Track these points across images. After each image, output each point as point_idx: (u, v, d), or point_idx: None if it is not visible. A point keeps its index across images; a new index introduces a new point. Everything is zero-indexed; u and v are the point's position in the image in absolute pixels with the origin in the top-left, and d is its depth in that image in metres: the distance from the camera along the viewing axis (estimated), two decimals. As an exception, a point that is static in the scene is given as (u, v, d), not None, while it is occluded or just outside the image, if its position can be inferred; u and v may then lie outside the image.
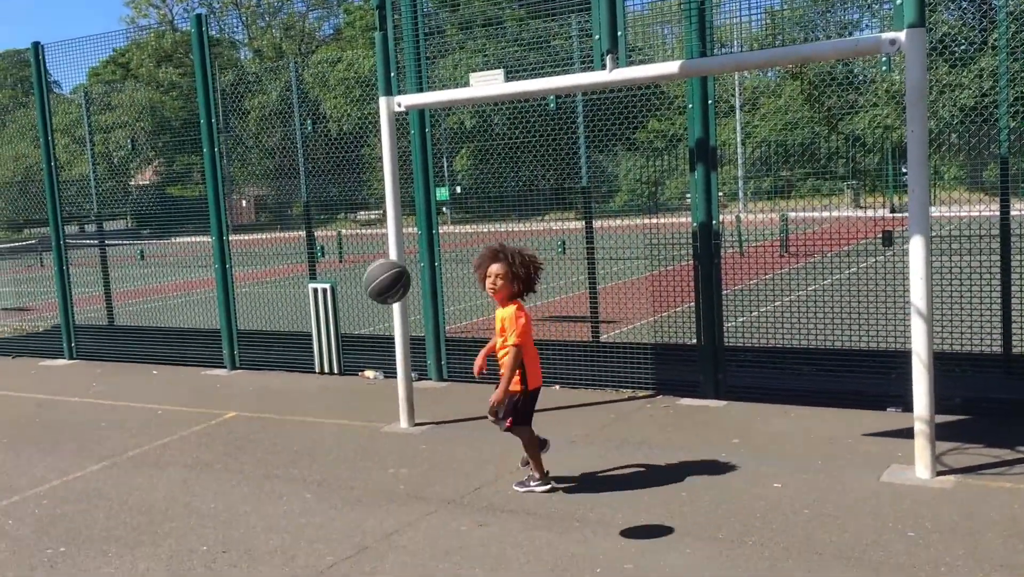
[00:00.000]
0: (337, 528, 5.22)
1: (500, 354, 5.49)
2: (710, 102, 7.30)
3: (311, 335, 9.70)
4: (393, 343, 7.51)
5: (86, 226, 15.53)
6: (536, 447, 5.58)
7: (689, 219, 7.62)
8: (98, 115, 12.44)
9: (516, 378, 5.38)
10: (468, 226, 10.55)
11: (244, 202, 18.69)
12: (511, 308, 5.39)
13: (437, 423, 7.35)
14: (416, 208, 8.78)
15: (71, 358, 11.63)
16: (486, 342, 9.00)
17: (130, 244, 14.35)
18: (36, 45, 11.16)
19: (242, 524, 5.37)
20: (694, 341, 7.69)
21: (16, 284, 15.56)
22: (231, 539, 5.15)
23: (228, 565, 4.78)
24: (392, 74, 7.35)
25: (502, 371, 5.38)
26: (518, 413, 5.46)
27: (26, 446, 7.48)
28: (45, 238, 16.51)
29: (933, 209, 5.96)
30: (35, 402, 9.23)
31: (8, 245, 16.84)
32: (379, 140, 7.46)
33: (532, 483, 5.59)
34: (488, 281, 5.40)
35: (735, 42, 8.30)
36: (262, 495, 5.88)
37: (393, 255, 7.22)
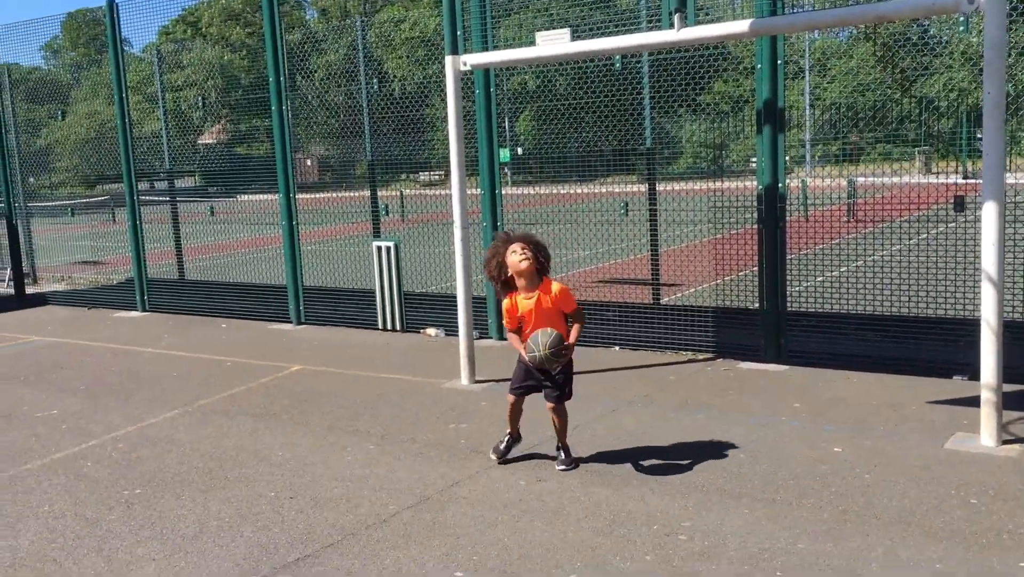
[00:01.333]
0: (399, 478, 5.36)
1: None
2: (779, 62, 7.17)
3: (374, 292, 9.87)
4: (455, 302, 7.60)
5: (155, 183, 15.92)
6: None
7: (753, 183, 7.54)
8: (168, 73, 12.69)
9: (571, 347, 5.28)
10: (529, 188, 10.56)
11: (309, 161, 18.92)
12: (549, 283, 5.22)
13: (497, 380, 7.44)
14: (479, 168, 8.83)
15: (143, 310, 12.00)
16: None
17: (199, 201, 14.67)
18: (111, 3, 11.39)
19: (308, 473, 5.54)
20: (756, 305, 7.64)
21: (91, 238, 16.05)
22: (297, 486, 5.32)
23: (295, 511, 4.95)
24: (458, 33, 7.37)
25: (576, 333, 5.26)
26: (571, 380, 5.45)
27: (103, 394, 7.77)
28: (118, 194, 16.96)
29: (1008, 176, 5.81)
30: (111, 352, 9.57)
31: (83, 201, 17.32)
32: (442, 100, 7.50)
33: (560, 464, 5.43)
34: (517, 258, 5.12)
35: (806, 1, 8.13)
36: (326, 445, 6.05)
37: (456, 215, 7.28)
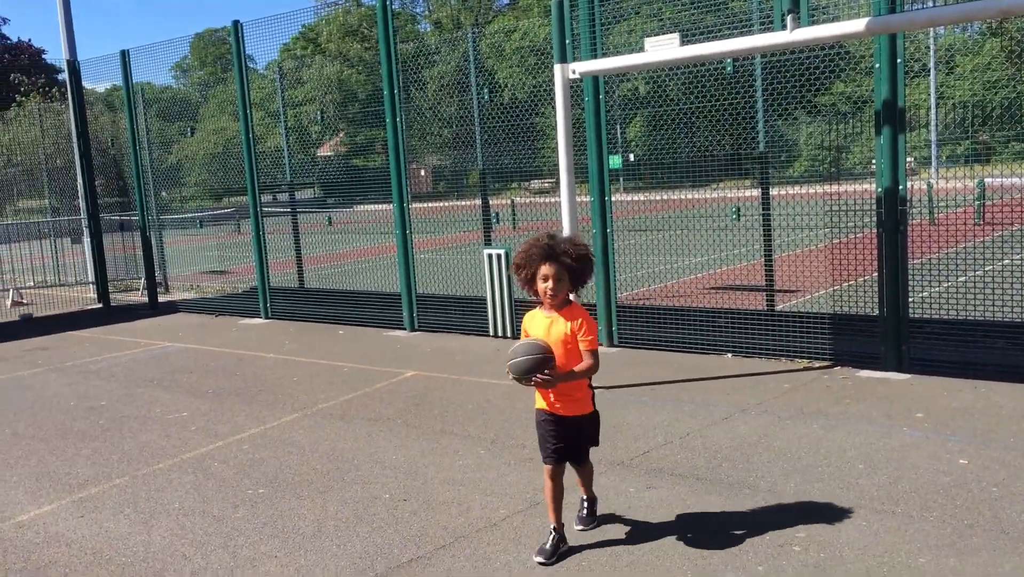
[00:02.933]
0: (509, 483, 5.42)
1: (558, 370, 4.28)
2: (899, 61, 6.94)
3: (485, 300, 10.00)
4: (565, 308, 7.62)
5: (276, 195, 16.55)
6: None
7: (872, 186, 7.32)
8: (289, 89, 13.18)
9: (588, 397, 4.48)
10: (640, 194, 10.52)
11: (423, 171, 19.33)
12: (573, 309, 4.38)
13: (607, 387, 7.43)
14: (589, 175, 8.84)
15: (266, 318, 12.48)
16: (658, 310, 9.04)
17: (318, 212, 15.18)
18: (236, 24, 11.92)
19: (420, 476, 5.66)
20: (875, 312, 7.40)
21: (218, 249, 16.79)
22: (411, 489, 5.45)
23: (409, 513, 5.07)
24: (567, 41, 7.41)
25: (576, 369, 4.30)
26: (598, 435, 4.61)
27: (229, 397, 8.13)
28: (242, 206, 17.72)
29: None
30: (236, 357, 10.00)
31: (211, 213, 18.17)
32: (552, 108, 7.55)
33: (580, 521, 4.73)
34: (543, 286, 4.30)
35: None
36: (439, 450, 6.17)
37: (566, 222, 7.32)
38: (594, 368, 4.29)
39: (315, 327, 11.63)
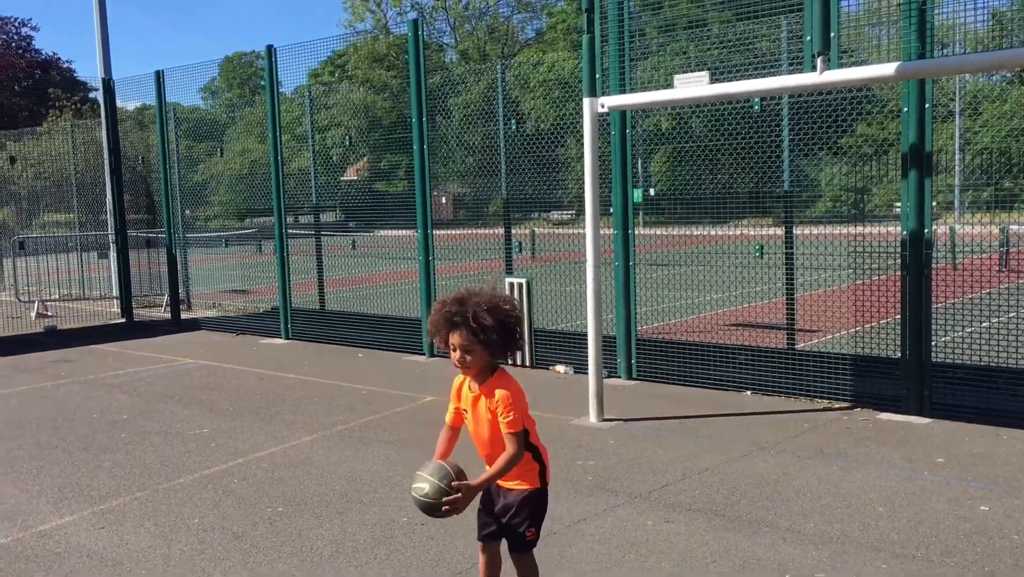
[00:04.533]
0: (527, 512, 5.42)
1: (482, 447, 3.72)
2: (927, 105, 6.99)
3: (506, 328, 10.02)
4: (584, 340, 7.67)
5: (299, 217, 16.71)
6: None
7: (896, 229, 7.34)
8: (316, 113, 13.36)
9: (534, 471, 3.70)
10: (661, 228, 10.56)
11: (444, 199, 19.47)
12: (496, 382, 3.61)
13: (625, 420, 7.44)
14: (613, 208, 8.91)
15: (287, 338, 12.56)
16: (678, 344, 9.05)
17: (342, 235, 15.31)
18: (270, 48, 12.11)
19: (439, 501, 5.67)
20: (897, 355, 7.39)
21: (240, 268, 16.94)
22: (434, 520, 5.45)
23: (426, 537, 5.08)
24: (597, 76, 7.50)
25: (492, 469, 3.56)
26: (540, 525, 3.76)
27: (248, 416, 8.18)
28: (264, 227, 17.89)
29: None
30: (257, 376, 10.07)
31: (235, 232, 18.36)
32: (576, 141, 7.64)
33: None
34: (454, 356, 3.58)
35: (956, 43, 7.90)
36: (457, 476, 6.18)
37: (590, 254, 7.37)
38: (515, 458, 3.52)
39: (335, 349, 11.70)
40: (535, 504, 3.69)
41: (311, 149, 13.04)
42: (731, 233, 9.95)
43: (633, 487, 5.80)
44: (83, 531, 5.36)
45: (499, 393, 3.55)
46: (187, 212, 15.31)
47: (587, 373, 7.58)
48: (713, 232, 9.31)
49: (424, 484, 3.48)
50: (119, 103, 17.67)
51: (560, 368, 9.57)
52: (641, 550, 4.79)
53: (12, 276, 16.96)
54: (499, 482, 3.66)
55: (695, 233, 9.39)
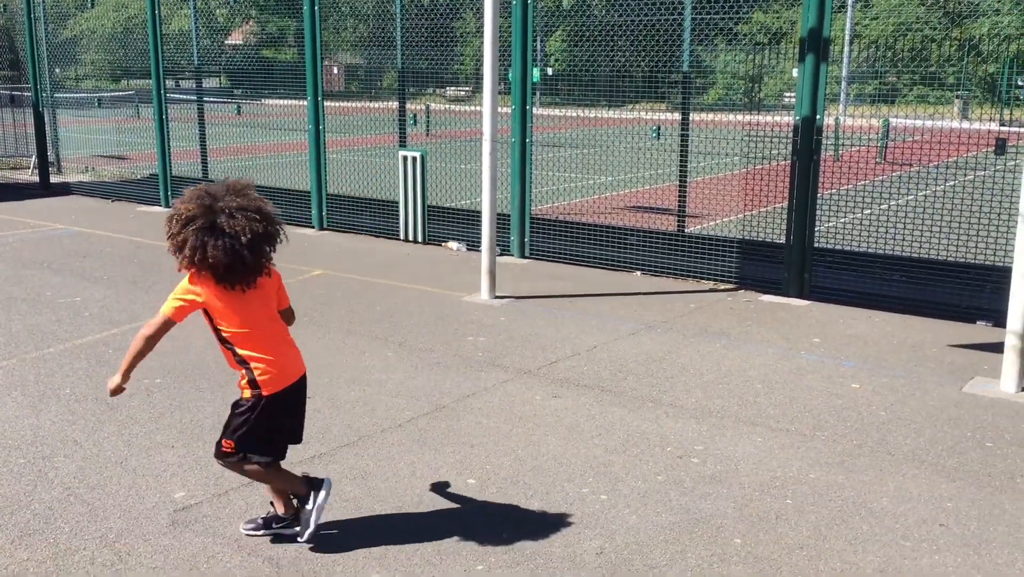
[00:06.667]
0: (416, 386, 5.40)
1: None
2: (828, -10, 6.96)
3: (397, 203, 9.82)
4: (477, 217, 7.56)
5: (180, 82, 15.77)
6: (280, 479, 3.60)
7: (788, 118, 7.41)
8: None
9: (243, 379, 3.45)
10: (557, 109, 10.39)
11: (335, 69, 18.70)
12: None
13: (517, 297, 7.44)
14: (512, 84, 8.68)
15: (166, 206, 12.00)
16: (571, 224, 9.06)
17: (225, 102, 14.56)
18: None
19: (325, 374, 5.58)
20: (782, 240, 7.57)
21: (116, 133, 15.99)
22: (315, 387, 5.34)
23: (312, 410, 4.96)
24: (499, -60, 7.15)
25: None
26: (246, 435, 3.44)
27: (124, 285, 7.82)
28: (143, 90, 16.85)
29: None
30: (134, 244, 9.61)
31: (109, 94, 17.23)
32: (474, 14, 7.33)
33: (275, 524, 3.65)
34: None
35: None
36: (345, 349, 6.09)
37: (487, 128, 7.18)
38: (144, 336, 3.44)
39: (218, 220, 11.24)
40: (233, 415, 3.49)
41: (192, 7, 12.20)
42: (627, 116, 9.87)
43: (523, 363, 5.83)
44: (-57, 401, 5.06)
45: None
46: (56, 70, 14.23)
47: (480, 250, 7.51)
48: (609, 115, 9.22)
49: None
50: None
51: (452, 244, 9.47)
52: (528, 424, 4.83)
53: None
54: None
55: (591, 116, 9.29)
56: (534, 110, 8.86)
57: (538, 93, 13.92)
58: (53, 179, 13.95)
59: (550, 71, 12.98)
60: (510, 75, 8.68)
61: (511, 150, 8.78)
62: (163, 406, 5.01)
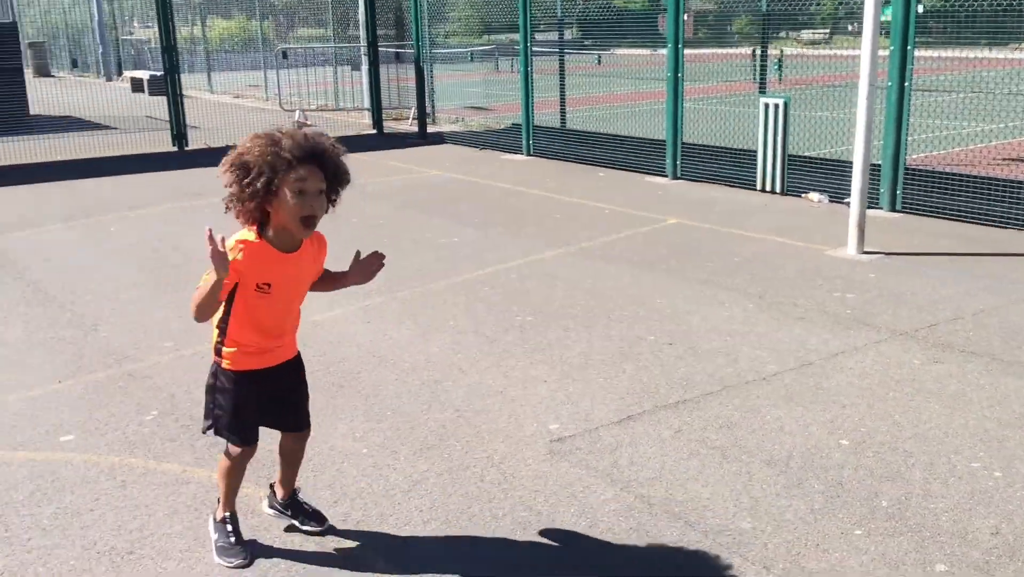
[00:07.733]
0: (779, 340, 5.25)
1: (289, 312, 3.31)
2: None
3: (753, 152, 9.55)
4: (841, 167, 7.14)
5: (535, 35, 16.37)
6: (231, 476, 3.16)
7: None
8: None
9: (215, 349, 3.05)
10: (929, 50, 9.44)
11: (685, 16, 18.44)
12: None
13: (887, 253, 6.96)
14: (892, 24, 8.02)
15: (528, 155, 12.64)
16: (952, 176, 8.26)
17: (584, 52, 14.96)
18: None
19: (684, 322, 5.60)
20: None
21: (481, 85, 17.06)
22: (675, 334, 5.41)
23: (674, 357, 5.05)
24: None
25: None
26: (219, 416, 3.06)
27: (495, 227, 8.37)
28: (502, 44, 17.78)
29: None
30: (501, 191, 10.25)
31: (478, 49, 18.39)
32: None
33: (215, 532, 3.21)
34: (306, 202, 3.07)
35: None
36: (703, 299, 6.06)
37: (865, 71, 6.71)
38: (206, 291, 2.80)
39: (575, 167, 11.65)
40: (208, 390, 3.10)
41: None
42: (1012, 57, 8.77)
43: (896, 324, 5.45)
44: (351, 324, 5.75)
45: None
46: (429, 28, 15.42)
47: (843, 203, 7.09)
48: (991, 55, 8.25)
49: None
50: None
51: (814, 196, 9.03)
52: (906, 388, 4.51)
53: (277, 87, 17.99)
54: None
55: (969, 56, 8.35)
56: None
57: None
58: (429, 129, 15.22)
59: (920, 8, 11.87)
60: (883, 12, 8.01)
61: (886, 95, 8.14)
62: (535, 343, 5.32)
